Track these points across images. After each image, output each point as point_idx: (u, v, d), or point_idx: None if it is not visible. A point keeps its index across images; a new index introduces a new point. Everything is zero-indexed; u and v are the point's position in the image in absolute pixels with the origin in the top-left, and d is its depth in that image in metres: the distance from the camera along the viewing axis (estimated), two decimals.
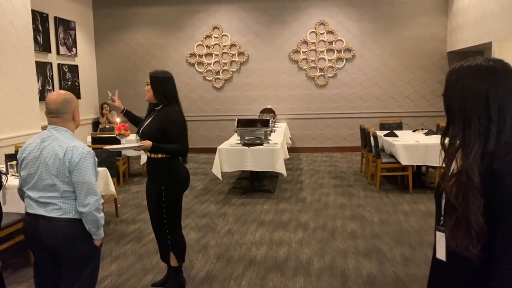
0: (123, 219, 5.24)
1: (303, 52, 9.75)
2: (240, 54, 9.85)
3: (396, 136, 6.63)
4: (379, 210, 5.40)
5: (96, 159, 2.35)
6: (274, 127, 7.71)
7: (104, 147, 3.35)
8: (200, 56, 9.94)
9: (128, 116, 3.42)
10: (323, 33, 9.67)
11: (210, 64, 9.95)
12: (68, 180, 2.24)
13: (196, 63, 9.97)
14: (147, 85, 3.10)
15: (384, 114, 9.44)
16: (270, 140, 6.30)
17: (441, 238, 1.33)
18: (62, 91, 2.41)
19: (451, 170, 1.29)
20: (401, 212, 5.31)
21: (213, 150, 9.84)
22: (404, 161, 5.96)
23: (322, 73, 9.76)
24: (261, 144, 6.10)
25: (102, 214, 2.30)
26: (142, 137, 3.06)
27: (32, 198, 2.29)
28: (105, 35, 10.08)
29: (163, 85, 3.07)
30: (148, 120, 3.13)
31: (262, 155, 5.92)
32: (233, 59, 9.88)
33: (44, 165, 2.25)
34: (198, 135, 10.08)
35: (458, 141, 1.27)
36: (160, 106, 3.10)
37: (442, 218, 1.34)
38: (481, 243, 1.20)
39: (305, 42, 9.74)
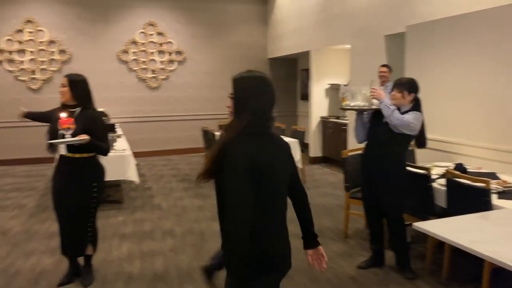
0: None
1: (132, 52, 9.36)
2: (61, 52, 8.86)
3: None
4: None
5: None
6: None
7: (48, 142, 3.20)
8: (10, 52, 8.55)
9: (31, 115, 3.57)
10: (153, 34, 9.47)
11: (23, 62, 8.66)
12: None
13: (5, 61, 8.54)
14: (63, 87, 3.18)
15: (216, 116, 9.72)
16: (115, 146, 5.87)
17: None
18: None
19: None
20: None
21: (34, 161, 8.63)
22: None
23: (154, 75, 9.54)
24: None
25: None
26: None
27: None
28: None
29: (80, 87, 3.24)
30: None
31: (111, 163, 5.44)
32: (52, 57, 8.81)
33: None
34: (12, 144, 8.68)
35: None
36: (79, 109, 3.23)
37: None
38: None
39: (134, 42, 9.37)
